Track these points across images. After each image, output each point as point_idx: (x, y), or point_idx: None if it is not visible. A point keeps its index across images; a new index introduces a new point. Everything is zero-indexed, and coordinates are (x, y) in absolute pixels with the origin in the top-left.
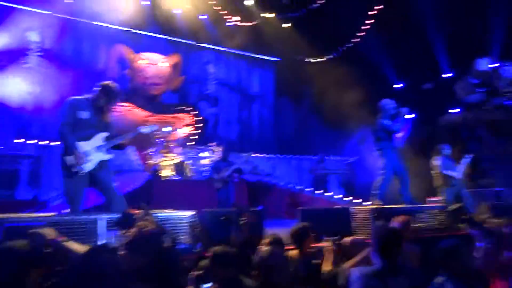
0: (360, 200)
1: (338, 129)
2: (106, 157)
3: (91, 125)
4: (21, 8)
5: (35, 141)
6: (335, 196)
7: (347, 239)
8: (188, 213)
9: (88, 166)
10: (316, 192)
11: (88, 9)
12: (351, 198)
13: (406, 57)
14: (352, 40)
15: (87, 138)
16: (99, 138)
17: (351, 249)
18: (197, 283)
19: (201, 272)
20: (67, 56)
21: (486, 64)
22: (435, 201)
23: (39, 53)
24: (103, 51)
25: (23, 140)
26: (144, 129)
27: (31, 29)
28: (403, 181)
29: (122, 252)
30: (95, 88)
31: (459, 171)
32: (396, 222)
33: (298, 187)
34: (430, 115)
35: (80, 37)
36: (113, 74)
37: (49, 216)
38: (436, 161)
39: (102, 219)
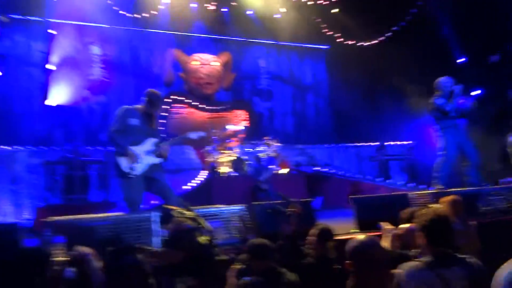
0: (425, 186)
1: (398, 113)
2: (156, 160)
3: (141, 131)
4: (83, 24)
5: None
6: (398, 183)
7: (403, 227)
8: (237, 207)
9: (140, 168)
10: (377, 179)
11: (140, 18)
12: (414, 183)
13: (468, 28)
14: (406, 18)
15: (137, 143)
16: (149, 143)
17: (407, 237)
18: (238, 276)
19: (240, 265)
20: (126, 65)
21: None
22: (509, 181)
23: (101, 64)
24: (158, 57)
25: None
26: (193, 135)
27: (93, 42)
28: (470, 161)
29: (161, 248)
30: (142, 98)
31: None
32: (443, 204)
33: (358, 176)
34: (500, 89)
35: (135, 45)
36: (168, 78)
37: (106, 216)
38: (510, 138)
39: (156, 217)
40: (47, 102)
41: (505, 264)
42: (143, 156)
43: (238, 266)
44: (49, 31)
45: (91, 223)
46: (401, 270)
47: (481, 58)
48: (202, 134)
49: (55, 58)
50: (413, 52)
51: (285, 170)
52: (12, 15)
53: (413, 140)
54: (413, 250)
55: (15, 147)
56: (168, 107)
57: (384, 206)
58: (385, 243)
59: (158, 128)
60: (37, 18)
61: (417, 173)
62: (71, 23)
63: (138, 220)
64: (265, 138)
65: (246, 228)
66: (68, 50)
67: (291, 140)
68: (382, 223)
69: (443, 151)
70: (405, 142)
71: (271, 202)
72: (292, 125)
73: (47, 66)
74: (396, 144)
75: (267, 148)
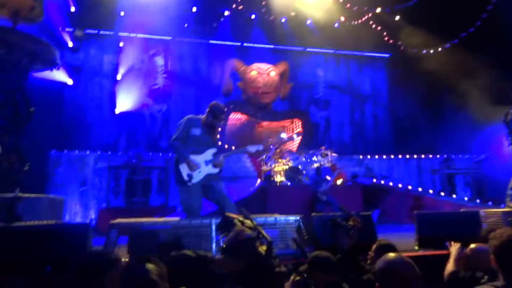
0: (491, 203)
1: (464, 125)
2: (214, 170)
3: (202, 142)
4: (148, 37)
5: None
6: (465, 198)
7: (473, 246)
8: (294, 218)
9: (198, 177)
10: (441, 194)
11: (202, 29)
12: (479, 200)
13: None
14: (475, 23)
15: (198, 152)
16: (209, 153)
17: (473, 258)
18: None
19: (300, 277)
20: (187, 75)
21: None
22: None
23: (164, 74)
24: (217, 67)
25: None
26: (251, 148)
27: (157, 53)
28: None
29: (222, 256)
30: (206, 110)
31: None
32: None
33: (419, 189)
34: None
35: (196, 56)
36: (227, 87)
37: (167, 221)
38: None
39: (216, 224)
40: (116, 111)
41: None
42: (202, 166)
43: (297, 278)
44: (120, 44)
45: (153, 227)
46: None
47: None
48: (260, 147)
49: (122, 69)
50: (482, 58)
51: (339, 181)
52: (86, 30)
53: (482, 153)
54: (479, 273)
55: (85, 151)
56: (227, 116)
57: (451, 224)
58: (453, 262)
59: (218, 139)
60: (107, 32)
61: (484, 189)
62: (138, 36)
63: (199, 226)
64: (321, 148)
65: (302, 239)
66: (134, 61)
67: (349, 151)
68: (450, 242)
69: None
70: (473, 156)
71: (331, 214)
72: (349, 135)
73: (117, 77)
74: (463, 157)
75: (323, 158)
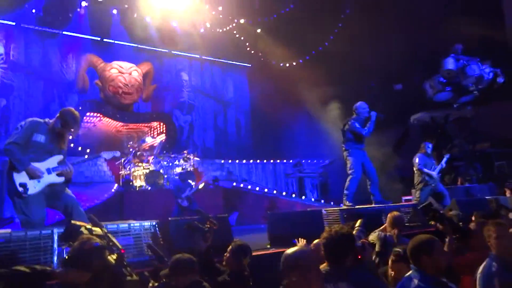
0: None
1: (314, 132)
2: (58, 179)
3: (45, 150)
4: None
5: None
6: (312, 199)
7: (315, 242)
8: (149, 223)
9: (38, 186)
10: (292, 196)
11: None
12: (323, 200)
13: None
14: (325, 43)
15: (39, 160)
16: (53, 161)
17: (316, 251)
18: None
19: (160, 282)
20: (34, 67)
21: (452, 63)
22: (409, 199)
23: (4, 65)
24: (72, 61)
25: None
26: (106, 155)
27: None
28: (372, 180)
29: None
30: (57, 115)
31: (436, 170)
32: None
33: (274, 192)
34: (401, 114)
35: (47, 48)
36: (82, 84)
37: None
38: (416, 159)
39: (59, 234)
40: None
41: None
42: (44, 174)
43: (155, 284)
44: None
45: None
46: None
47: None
48: (116, 154)
49: None
50: (333, 72)
51: (201, 185)
52: None
53: (327, 159)
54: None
55: None
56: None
57: (298, 222)
58: None
59: (66, 147)
60: None
61: (329, 191)
62: None
63: (37, 238)
64: (184, 152)
65: (158, 244)
66: None
67: (211, 155)
68: (298, 239)
69: (350, 170)
70: (320, 161)
71: (187, 218)
72: (212, 139)
73: None
74: (312, 162)
75: (186, 162)
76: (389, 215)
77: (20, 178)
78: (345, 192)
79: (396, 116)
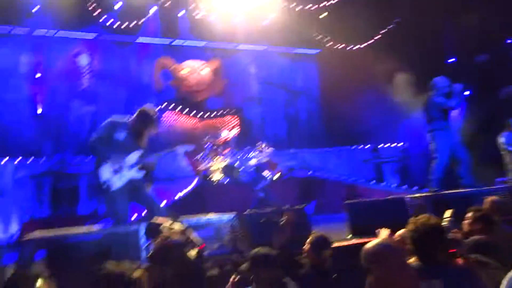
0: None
1: (389, 115)
2: (138, 174)
3: (125, 147)
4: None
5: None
6: (392, 185)
7: (400, 233)
8: (228, 216)
9: (120, 182)
10: (371, 182)
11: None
12: (406, 186)
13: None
14: (396, 20)
15: (120, 157)
16: (133, 157)
17: (401, 243)
18: (239, 287)
19: (240, 276)
20: (115, 75)
21: None
22: (503, 181)
23: (89, 74)
24: (146, 66)
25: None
26: (181, 149)
27: (80, 53)
28: (462, 162)
29: (147, 264)
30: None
31: None
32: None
33: (351, 179)
34: (490, 89)
35: (124, 55)
36: (158, 86)
37: (91, 231)
38: (501, 138)
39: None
40: (38, 114)
41: None
42: (125, 170)
43: (237, 277)
44: (36, 42)
45: (75, 238)
46: None
47: (470, 57)
48: (190, 147)
49: (42, 69)
50: (406, 53)
51: (276, 176)
52: None
53: (406, 142)
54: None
55: (2, 159)
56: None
57: (380, 211)
58: None
59: (146, 145)
60: (21, 29)
61: (410, 175)
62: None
63: (125, 234)
64: (257, 143)
65: (237, 237)
66: (55, 60)
67: (284, 145)
68: (379, 230)
69: (435, 153)
70: (398, 144)
71: (264, 211)
72: (284, 130)
73: (36, 77)
74: (390, 146)
75: (259, 154)
76: (487, 200)
77: (105, 174)
78: (430, 177)
79: (484, 91)
